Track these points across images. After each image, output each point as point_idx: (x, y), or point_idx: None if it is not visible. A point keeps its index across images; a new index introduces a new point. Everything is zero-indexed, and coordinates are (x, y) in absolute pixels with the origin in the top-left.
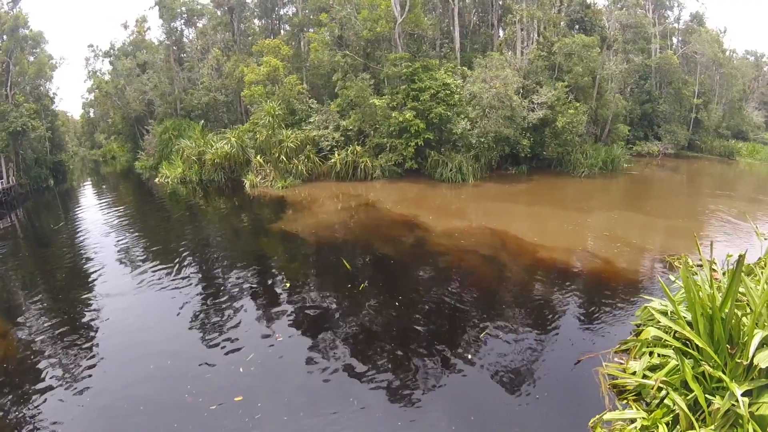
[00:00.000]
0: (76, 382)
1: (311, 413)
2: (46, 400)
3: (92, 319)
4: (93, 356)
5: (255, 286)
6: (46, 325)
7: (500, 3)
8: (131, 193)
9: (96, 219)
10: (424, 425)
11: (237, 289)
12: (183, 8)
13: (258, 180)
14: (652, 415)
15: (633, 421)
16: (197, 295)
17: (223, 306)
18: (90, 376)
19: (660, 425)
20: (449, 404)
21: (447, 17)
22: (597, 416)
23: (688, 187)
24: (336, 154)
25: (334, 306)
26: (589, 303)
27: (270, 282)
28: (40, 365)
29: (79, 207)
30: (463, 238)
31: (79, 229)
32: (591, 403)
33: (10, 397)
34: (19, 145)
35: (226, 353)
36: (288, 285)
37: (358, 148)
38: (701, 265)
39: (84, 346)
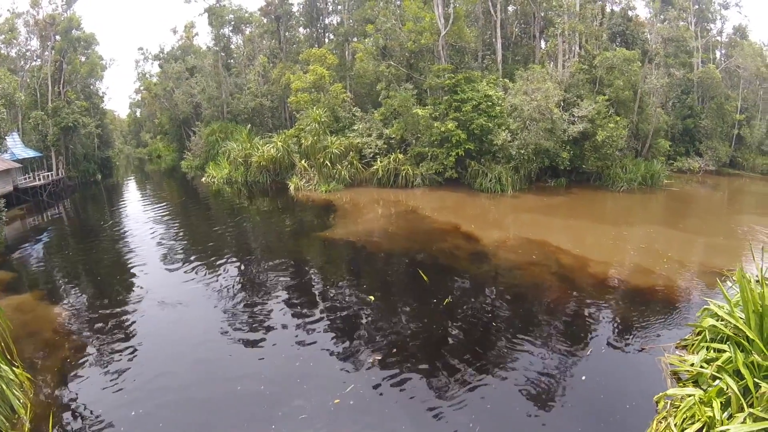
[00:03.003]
0: (113, 367)
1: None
2: (86, 379)
3: (132, 309)
4: (131, 344)
5: (294, 288)
6: (88, 310)
7: (542, 15)
8: (176, 191)
9: (140, 213)
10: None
11: (276, 291)
12: (231, 16)
13: (302, 183)
14: (708, 393)
15: (691, 396)
16: (234, 293)
17: (262, 307)
18: (127, 361)
19: (714, 401)
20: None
21: (489, 29)
22: (661, 393)
23: (729, 205)
24: (378, 161)
25: (407, 317)
26: (637, 307)
27: (308, 283)
28: (82, 348)
29: (123, 201)
30: (506, 248)
31: (123, 222)
32: (655, 384)
33: (52, 376)
34: (70, 140)
35: (253, 348)
36: (323, 285)
37: (400, 156)
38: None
39: (123, 334)
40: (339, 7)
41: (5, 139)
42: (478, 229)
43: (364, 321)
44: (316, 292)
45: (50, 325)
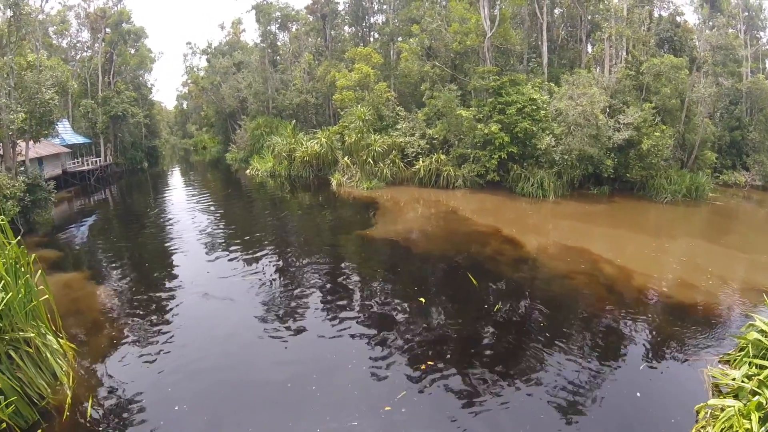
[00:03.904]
0: (150, 348)
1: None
2: (124, 356)
3: (171, 294)
4: (168, 327)
5: (338, 287)
6: (131, 292)
7: (589, 18)
8: (220, 182)
9: (184, 201)
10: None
11: (319, 288)
12: (278, 13)
13: (344, 180)
14: (748, 405)
15: (730, 407)
16: (271, 283)
17: (306, 304)
18: (163, 343)
19: (753, 414)
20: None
21: (535, 31)
22: (702, 403)
23: None
24: (420, 161)
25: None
26: (679, 321)
27: (352, 282)
28: (122, 327)
29: (168, 189)
30: (547, 255)
31: (167, 209)
32: (696, 396)
33: (94, 349)
34: (118, 129)
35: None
36: (369, 285)
37: (442, 156)
38: None
39: (161, 318)
40: (384, 6)
41: (57, 124)
42: (519, 233)
43: (415, 324)
44: (363, 292)
45: (96, 303)
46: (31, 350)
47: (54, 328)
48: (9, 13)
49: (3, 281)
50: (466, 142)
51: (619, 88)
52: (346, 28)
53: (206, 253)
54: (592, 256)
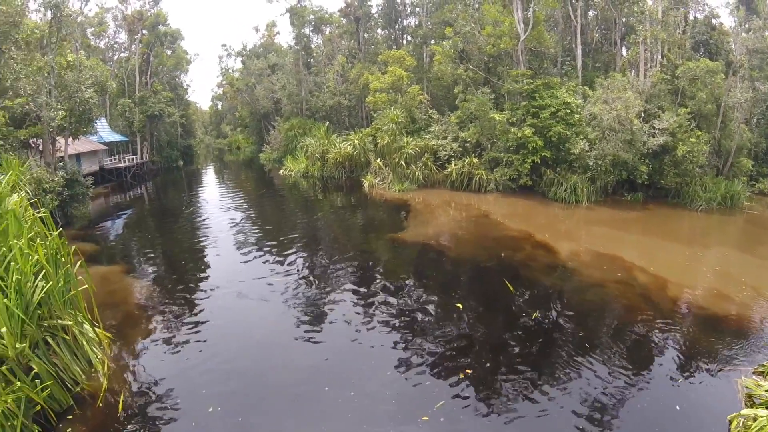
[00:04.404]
0: (186, 345)
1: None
2: (158, 352)
3: (202, 290)
4: (203, 326)
5: (372, 290)
6: (164, 287)
7: (623, 21)
8: (253, 181)
9: (218, 199)
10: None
11: (351, 291)
12: (312, 16)
13: (376, 181)
14: None
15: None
16: (305, 285)
17: (339, 308)
18: (199, 341)
19: None
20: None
21: (569, 34)
22: (735, 413)
23: None
24: (453, 164)
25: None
26: (713, 331)
27: (386, 285)
28: (155, 319)
29: (202, 187)
30: (580, 261)
31: (201, 206)
32: (729, 407)
33: (128, 340)
34: (155, 127)
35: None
36: (403, 289)
37: (475, 160)
38: None
39: (196, 315)
40: (417, 9)
41: (95, 122)
42: (552, 239)
43: (452, 331)
44: (398, 297)
45: (131, 296)
46: (68, 337)
47: (91, 318)
48: (50, 14)
49: (44, 270)
50: (499, 146)
51: (654, 93)
52: (379, 30)
53: (239, 252)
54: (625, 263)
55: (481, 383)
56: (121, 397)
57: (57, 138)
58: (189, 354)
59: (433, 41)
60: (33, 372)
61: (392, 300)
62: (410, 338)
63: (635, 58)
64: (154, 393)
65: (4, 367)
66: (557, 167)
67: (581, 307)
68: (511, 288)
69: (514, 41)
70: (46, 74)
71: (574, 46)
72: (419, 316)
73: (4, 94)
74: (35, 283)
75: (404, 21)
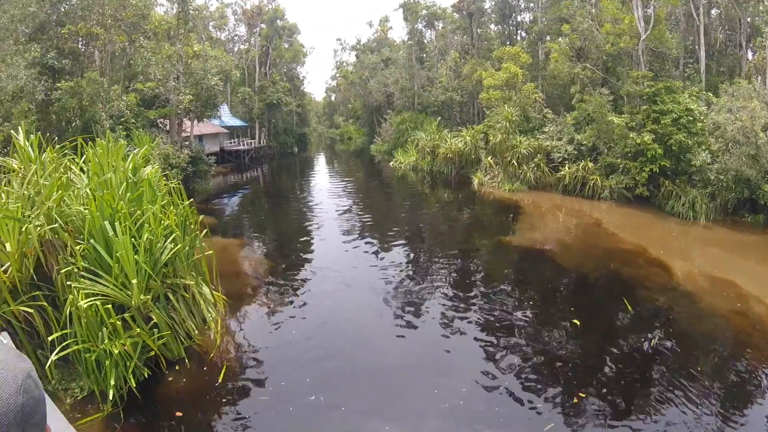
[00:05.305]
0: (294, 326)
1: None
2: (267, 327)
3: (311, 275)
4: (302, 300)
5: (476, 295)
6: (276, 265)
7: (748, 21)
8: (362, 171)
9: (327, 185)
10: None
11: (453, 290)
12: (425, 11)
13: (486, 179)
14: None
15: None
16: (411, 281)
17: (439, 309)
18: (306, 326)
19: None
20: None
21: (691, 34)
22: None
23: None
24: (566, 167)
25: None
26: None
27: (493, 292)
28: (268, 299)
29: (314, 172)
30: (696, 285)
31: (311, 190)
32: None
33: (239, 307)
34: (272, 115)
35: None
36: (512, 298)
37: (590, 164)
38: None
39: (296, 289)
40: (531, 4)
41: (218, 107)
42: (666, 256)
43: (567, 348)
44: (506, 305)
45: (244, 268)
46: (187, 296)
47: (208, 280)
48: (177, 8)
49: (174, 234)
50: (616, 151)
51: None
52: (492, 26)
53: (345, 239)
54: (740, 291)
55: (596, 409)
56: (226, 357)
57: (183, 119)
58: (292, 329)
59: (548, 38)
60: (152, 322)
61: (495, 306)
62: (516, 349)
63: (762, 63)
64: (256, 360)
65: (127, 314)
66: (676, 179)
67: (699, 335)
68: (630, 308)
69: (635, 40)
70: (174, 62)
71: (697, 47)
72: (531, 329)
73: (135, 78)
74: (164, 245)
75: (518, 16)
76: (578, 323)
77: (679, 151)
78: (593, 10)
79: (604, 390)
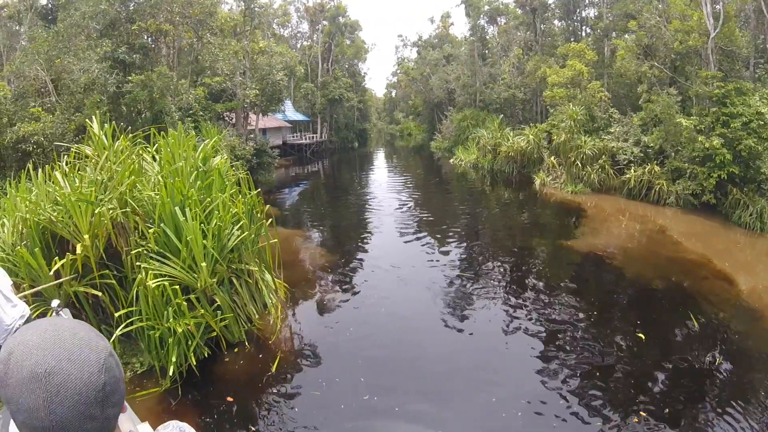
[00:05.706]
0: (342, 308)
1: None
2: (326, 320)
3: (364, 263)
4: (360, 295)
5: (532, 296)
6: (331, 252)
7: None
8: (422, 168)
9: (386, 180)
10: None
11: (508, 299)
12: (487, 7)
13: (548, 180)
14: None
15: None
16: (457, 276)
17: (495, 317)
18: (364, 322)
19: None
20: None
21: (762, 32)
22: None
23: None
24: (632, 170)
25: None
26: None
27: (551, 298)
28: (320, 283)
29: (373, 168)
30: (762, 301)
31: (370, 185)
32: None
33: (293, 298)
34: (334, 110)
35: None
36: (571, 305)
37: (657, 168)
38: None
39: (354, 284)
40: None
41: (283, 102)
42: (732, 269)
43: (629, 364)
44: (565, 313)
45: (304, 258)
46: (250, 281)
47: (272, 268)
48: (242, 5)
49: (241, 222)
50: (684, 155)
51: None
52: (556, 22)
53: (402, 235)
54: None
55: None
56: (283, 345)
57: (249, 113)
58: (350, 326)
59: (614, 34)
60: (215, 305)
61: (559, 316)
62: (580, 366)
63: None
64: (311, 352)
65: (192, 296)
66: (744, 187)
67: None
68: (696, 323)
69: (703, 38)
70: (240, 58)
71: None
72: (591, 340)
73: (203, 73)
74: (231, 231)
75: (583, 12)
76: (643, 337)
77: (749, 158)
78: (660, 6)
79: (667, 410)
